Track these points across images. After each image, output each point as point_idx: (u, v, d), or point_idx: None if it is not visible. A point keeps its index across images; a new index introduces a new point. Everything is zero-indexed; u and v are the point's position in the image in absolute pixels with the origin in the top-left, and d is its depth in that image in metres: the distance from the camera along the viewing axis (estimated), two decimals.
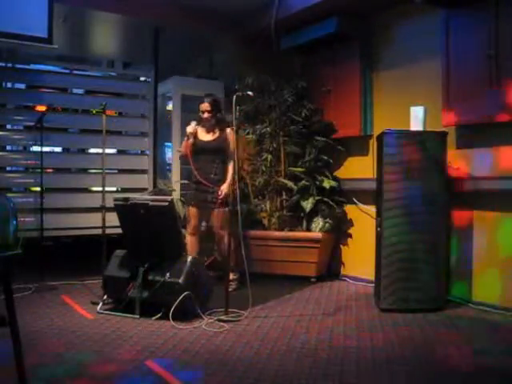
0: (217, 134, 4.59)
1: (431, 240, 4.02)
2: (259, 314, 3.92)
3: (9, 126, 5.79)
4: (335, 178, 5.43)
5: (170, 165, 6.54)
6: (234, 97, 3.89)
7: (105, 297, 4.05)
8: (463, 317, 3.90)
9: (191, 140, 4.54)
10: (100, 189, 4.67)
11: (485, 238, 4.18)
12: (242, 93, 4.04)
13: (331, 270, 5.50)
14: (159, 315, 3.71)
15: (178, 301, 3.59)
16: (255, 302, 3.99)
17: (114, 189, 6.15)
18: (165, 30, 5.85)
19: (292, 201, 5.36)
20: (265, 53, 5.61)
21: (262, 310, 4.04)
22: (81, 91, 6.42)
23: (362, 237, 5.25)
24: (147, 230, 3.91)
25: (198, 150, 4.56)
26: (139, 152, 6.42)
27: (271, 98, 5.47)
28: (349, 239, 5.48)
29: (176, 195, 5.77)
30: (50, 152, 5.94)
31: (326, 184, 5.27)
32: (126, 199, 4.00)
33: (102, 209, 4.44)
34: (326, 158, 5.44)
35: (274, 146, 5.43)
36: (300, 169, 5.38)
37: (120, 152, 6.50)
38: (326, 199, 5.28)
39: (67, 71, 6.13)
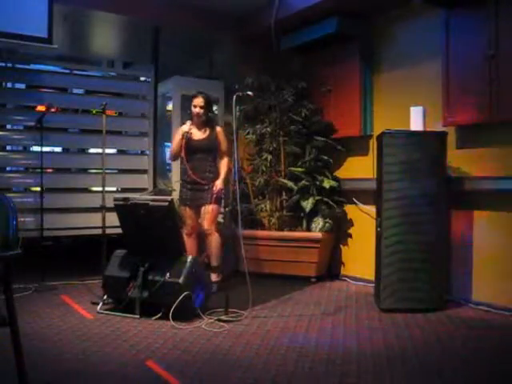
0: (208, 133, 4.61)
1: (431, 240, 4.02)
2: (259, 314, 3.92)
3: (9, 126, 5.79)
4: (335, 178, 5.43)
5: (169, 165, 6.54)
6: (234, 97, 3.89)
7: (105, 297, 4.05)
8: (463, 317, 3.90)
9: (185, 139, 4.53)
10: (100, 189, 4.67)
11: (485, 238, 4.18)
12: (241, 93, 4.04)
13: (331, 270, 5.50)
14: (159, 315, 3.71)
15: (178, 301, 3.59)
16: (255, 302, 3.99)
17: (114, 189, 6.15)
18: (165, 29, 5.85)
19: (292, 201, 5.36)
20: (265, 53, 5.62)
21: (262, 310, 4.04)
22: (81, 91, 6.42)
23: (361, 237, 5.25)
24: (147, 230, 3.91)
25: (192, 149, 4.56)
26: (139, 152, 6.42)
27: (271, 98, 5.48)
28: (349, 239, 5.48)
29: (176, 195, 5.77)
30: (50, 152, 5.93)
31: (326, 184, 5.27)
32: (126, 199, 4.00)
33: (102, 209, 4.44)
34: (326, 157, 5.44)
35: (274, 145, 5.43)
36: (300, 169, 5.38)
37: (120, 152, 6.50)
38: (325, 199, 5.28)
39: (67, 71, 6.12)
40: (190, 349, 3.10)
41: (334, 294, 4.75)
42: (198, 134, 4.61)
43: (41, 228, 4.81)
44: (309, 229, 5.30)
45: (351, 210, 5.42)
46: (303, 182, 5.32)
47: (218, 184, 4.52)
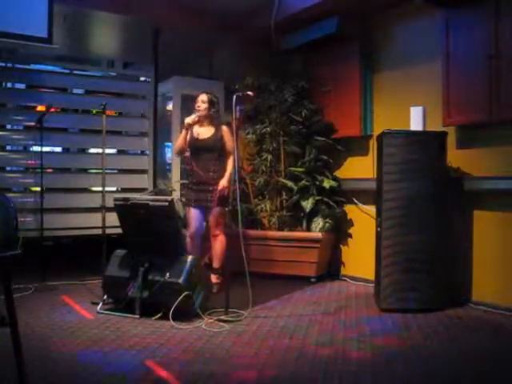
0: (213, 132, 4.55)
1: (431, 240, 4.02)
2: (259, 314, 3.92)
3: (9, 126, 5.79)
4: (335, 178, 5.42)
5: (170, 165, 6.54)
6: (234, 97, 3.89)
7: (105, 297, 4.05)
8: (463, 317, 3.90)
9: (188, 135, 4.51)
10: (100, 189, 4.67)
11: (485, 238, 4.18)
12: (242, 93, 4.04)
13: (331, 270, 5.50)
14: (159, 315, 3.71)
15: (178, 301, 3.59)
16: (255, 302, 3.98)
17: (114, 189, 6.15)
18: (165, 29, 5.85)
19: (292, 201, 5.36)
20: (265, 53, 5.61)
21: (262, 310, 4.04)
22: (81, 91, 6.42)
23: (361, 237, 5.25)
24: (147, 230, 3.91)
25: (196, 148, 4.54)
26: (139, 152, 6.42)
27: (271, 98, 5.48)
28: (349, 239, 5.48)
29: (176, 195, 5.77)
30: (50, 152, 5.94)
31: (326, 184, 5.27)
32: (126, 199, 4.00)
33: (102, 209, 4.44)
34: (325, 158, 5.44)
35: (274, 145, 5.44)
36: (300, 169, 5.38)
37: (120, 152, 6.50)
38: (326, 199, 5.28)
39: (67, 71, 6.12)
40: (190, 349, 3.10)
41: (333, 294, 4.75)
42: (203, 133, 4.56)
43: (41, 228, 4.81)
44: (309, 229, 5.30)
45: (351, 210, 5.42)
46: (303, 182, 5.32)
47: (222, 183, 4.44)
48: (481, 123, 4.10)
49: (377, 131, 4.77)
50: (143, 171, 6.11)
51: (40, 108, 5.56)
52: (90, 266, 4.85)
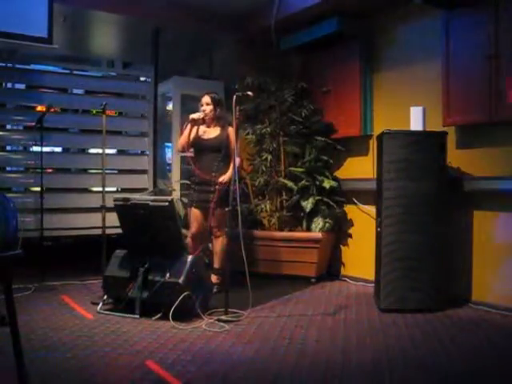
0: (218, 132, 4.54)
1: (431, 240, 4.02)
2: (259, 314, 3.92)
3: (9, 126, 5.79)
4: (335, 178, 5.42)
5: (169, 165, 6.54)
6: (234, 97, 3.89)
7: (105, 297, 4.05)
8: (463, 317, 3.90)
9: (193, 133, 4.49)
10: (100, 189, 4.67)
11: (485, 238, 4.18)
12: (241, 93, 4.04)
13: (331, 269, 5.50)
14: (159, 315, 3.71)
15: (178, 301, 3.59)
16: (255, 302, 3.98)
17: (114, 189, 6.15)
18: (165, 30, 5.85)
19: (292, 201, 5.36)
20: (265, 53, 5.61)
21: (262, 310, 4.04)
22: (81, 91, 6.42)
23: (361, 237, 5.25)
24: (147, 230, 3.91)
25: (200, 147, 4.53)
26: (139, 152, 6.42)
27: (271, 98, 5.48)
28: (349, 239, 5.48)
29: (176, 195, 5.77)
30: (50, 152, 5.94)
31: (326, 184, 5.27)
32: (126, 199, 4.00)
33: (102, 209, 4.44)
34: (325, 158, 5.44)
35: (274, 145, 5.43)
36: (300, 169, 5.38)
37: (120, 152, 6.50)
38: (326, 199, 5.28)
39: (67, 71, 6.12)
40: (190, 349, 3.10)
41: (333, 293, 4.75)
42: (208, 133, 4.55)
43: (41, 228, 4.81)
44: (309, 229, 5.30)
45: (351, 210, 5.42)
46: (303, 182, 5.32)
47: (225, 177, 4.38)
48: (481, 123, 4.10)
49: (377, 131, 4.77)
50: (143, 171, 6.10)
51: (40, 108, 5.56)
52: (90, 266, 4.85)
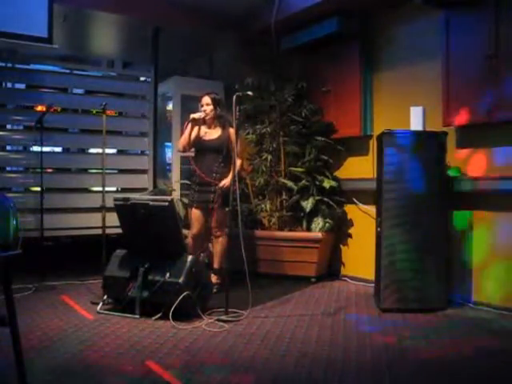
0: (219, 133, 4.55)
1: (431, 240, 4.02)
2: (259, 314, 3.92)
3: (9, 126, 5.79)
4: (335, 178, 5.42)
5: (169, 165, 6.54)
6: (234, 97, 3.89)
7: (105, 297, 4.04)
8: (463, 317, 3.90)
9: (194, 133, 4.49)
10: (100, 189, 4.67)
11: (485, 238, 4.18)
12: (241, 93, 4.04)
13: (331, 269, 5.50)
14: (159, 315, 3.71)
15: (178, 301, 3.59)
16: (255, 302, 3.98)
17: (114, 189, 6.15)
18: (165, 29, 5.85)
19: (292, 201, 5.36)
20: (265, 53, 5.61)
21: (262, 310, 4.04)
22: (81, 91, 6.42)
23: (361, 237, 5.25)
24: (147, 230, 3.91)
25: (201, 148, 4.53)
26: (139, 152, 6.42)
27: (271, 98, 5.48)
28: (349, 239, 5.48)
29: (176, 195, 5.77)
30: (50, 152, 5.94)
31: (326, 184, 5.27)
32: (126, 199, 4.00)
33: (102, 209, 4.44)
34: (325, 158, 5.44)
35: (274, 146, 5.43)
36: (300, 169, 5.38)
37: (120, 152, 6.51)
38: (326, 199, 5.28)
39: (67, 71, 6.12)
40: (190, 349, 3.10)
41: (333, 293, 4.75)
42: (209, 134, 4.56)
43: (41, 228, 4.81)
44: (309, 229, 5.30)
45: (351, 210, 5.42)
46: (303, 182, 5.32)
47: (226, 182, 4.40)
48: (481, 123, 4.10)
49: (377, 131, 4.77)
50: (143, 171, 6.10)
51: (40, 108, 5.56)
52: (90, 266, 4.85)
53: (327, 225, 5.20)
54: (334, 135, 5.43)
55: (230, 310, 3.79)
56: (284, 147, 5.43)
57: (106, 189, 4.54)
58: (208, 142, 4.52)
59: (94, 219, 5.02)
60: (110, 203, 4.20)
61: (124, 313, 3.80)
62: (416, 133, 4.20)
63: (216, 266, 4.59)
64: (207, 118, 4.51)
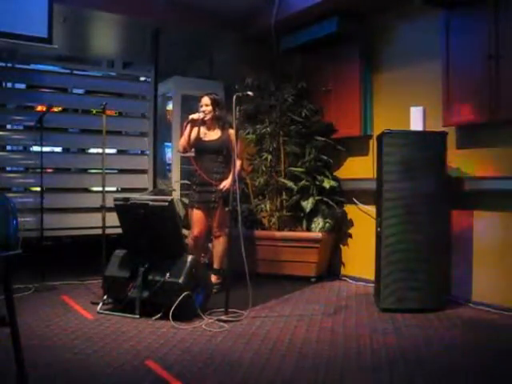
0: (219, 134, 4.55)
1: (431, 240, 4.02)
2: (259, 314, 3.92)
3: (9, 126, 5.79)
4: (335, 178, 5.42)
5: (169, 165, 6.54)
6: (234, 97, 3.89)
7: (105, 297, 4.04)
8: (463, 317, 3.90)
9: (194, 134, 4.49)
10: (100, 189, 4.67)
11: (485, 238, 4.18)
12: (241, 93, 4.04)
13: (331, 270, 5.50)
14: (159, 315, 3.71)
15: (178, 301, 3.59)
16: (255, 302, 3.98)
17: (114, 189, 6.15)
18: (165, 30, 5.85)
19: (292, 201, 5.36)
20: (265, 53, 5.61)
21: (262, 310, 4.04)
22: (81, 91, 6.42)
23: (361, 237, 5.25)
24: (147, 230, 3.91)
25: (201, 149, 4.53)
26: (139, 152, 6.43)
27: (271, 98, 5.48)
28: (349, 239, 5.48)
29: (176, 195, 5.77)
30: (50, 152, 5.94)
31: (326, 184, 5.27)
32: (126, 199, 4.00)
33: (102, 209, 4.44)
34: (325, 158, 5.44)
35: (274, 146, 5.43)
36: (300, 169, 5.38)
37: (120, 152, 6.50)
38: (326, 199, 5.28)
39: (67, 71, 6.13)
40: (190, 349, 3.10)
41: (333, 293, 4.75)
42: (209, 135, 4.56)
43: (41, 228, 4.81)
44: (309, 229, 5.30)
45: (351, 210, 5.42)
46: (303, 182, 5.32)
47: (226, 184, 4.41)
48: (481, 123, 4.10)
49: (377, 131, 4.77)
50: (143, 171, 6.11)
51: (40, 108, 5.56)
52: (90, 266, 4.85)
53: (327, 225, 5.20)
54: (334, 135, 5.43)
55: (229, 310, 3.79)
56: (284, 147, 5.44)
57: (106, 189, 4.54)
58: (208, 143, 4.53)
59: (94, 219, 5.02)
60: (109, 203, 4.20)
61: (124, 313, 3.80)
62: (416, 133, 4.20)
63: (216, 265, 4.59)
64: (206, 118, 4.51)
